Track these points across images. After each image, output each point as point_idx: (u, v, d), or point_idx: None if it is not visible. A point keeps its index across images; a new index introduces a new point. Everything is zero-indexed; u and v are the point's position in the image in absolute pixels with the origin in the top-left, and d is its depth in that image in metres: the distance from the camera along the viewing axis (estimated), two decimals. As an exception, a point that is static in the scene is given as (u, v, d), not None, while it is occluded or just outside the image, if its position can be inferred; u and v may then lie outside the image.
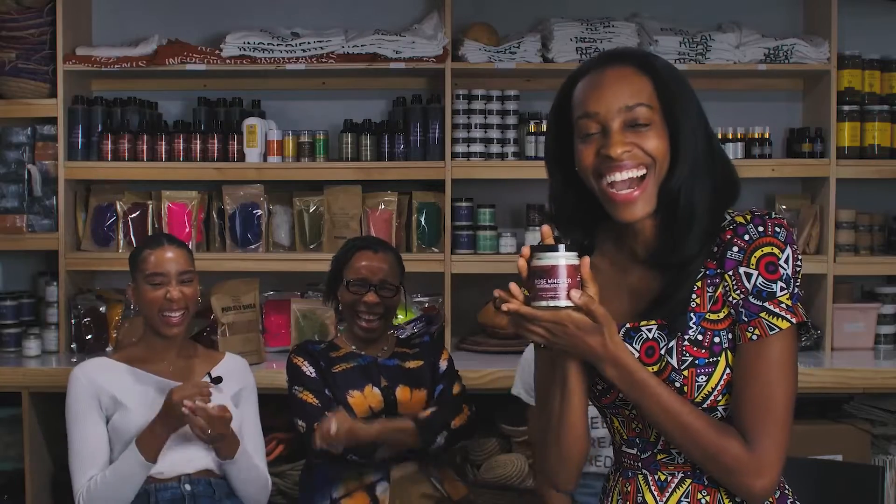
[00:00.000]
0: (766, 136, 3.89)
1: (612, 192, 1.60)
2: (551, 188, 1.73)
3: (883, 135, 3.85)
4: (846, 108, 3.83)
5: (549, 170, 1.73)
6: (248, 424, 2.84)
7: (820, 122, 3.89)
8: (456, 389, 2.95)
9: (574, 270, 1.53)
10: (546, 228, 1.59)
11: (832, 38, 3.79)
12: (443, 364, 2.99)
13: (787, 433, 1.59)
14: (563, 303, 1.52)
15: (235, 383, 2.83)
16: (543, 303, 1.53)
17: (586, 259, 1.54)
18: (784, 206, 3.94)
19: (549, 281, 1.52)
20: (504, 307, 1.54)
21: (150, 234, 3.84)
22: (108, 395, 2.69)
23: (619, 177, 1.59)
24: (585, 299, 1.52)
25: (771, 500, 1.67)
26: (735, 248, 1.60)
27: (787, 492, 1.71)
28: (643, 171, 1.59)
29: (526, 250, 1.55)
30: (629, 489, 1.70)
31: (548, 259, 1.53)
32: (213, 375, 2.76)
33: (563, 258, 1.52)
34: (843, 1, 3.78)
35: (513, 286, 1.55)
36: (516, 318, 1.55)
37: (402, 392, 2.88)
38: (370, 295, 2.87)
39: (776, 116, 4.03)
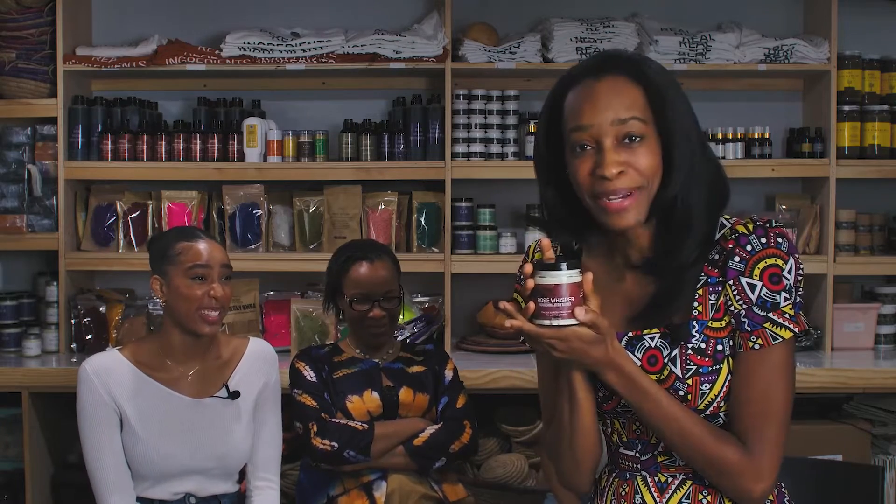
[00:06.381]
0: (766, 136, 3.89)
1: (605, 201, 1.59)
2: (541, 193, 1.71)
3: (883, 135, 3.85)
4: (846, 108, 3.83)
5: (538, 175, 1.71)
6: (266, 429, 2.65)
7: (820, 122, 3.89)
8: (460, 402, 2.93)
9: (577, 288, 1.52)
10: (545, 242, 1.58)
11: (832, 38, 3.79)
12: (448, 374, 2.97)
13: (785, 438, 1.60)
14: (566, 322, 1.52)
15: (258, 379, 2.65)
16: (547, 322, 1.52)
17: (589, 275, 1.53)
18: (784, 206, 3.94)
19: (553, 300, 1.51)
20: (507, 323, 1.54)
21: (151, 231, 3.83)
22: (121, 407, 2.50)
23: (612, 197, 1.58)
24: (591, 316, 1.51)
25: (771, 497, 1.68)
26: (737, 259, 1.60)
27: (783, 490, 1.72)
28: (635, 189, 1.59)
29: (528, 267, 1.54)
30: (626, 490, 1.70)
31: (550, 278, 1.52)
32: (231, 389, 2.58)
33: (565, 276, 1.51)
34: (843, 1, 3.78)
35: (509, 307, 1.55)
36: (521, 334, 1.56)
37: (405, 393, 2.88)
38: (375, 310, 2.86)
39: (776, 116, 4.03)
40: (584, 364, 1.57)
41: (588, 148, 1.59)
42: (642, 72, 1.61)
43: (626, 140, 1.58)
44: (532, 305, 1.53)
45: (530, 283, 1.53)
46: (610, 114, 1.58)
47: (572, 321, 1.51)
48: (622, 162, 1.57)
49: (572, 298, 1.51)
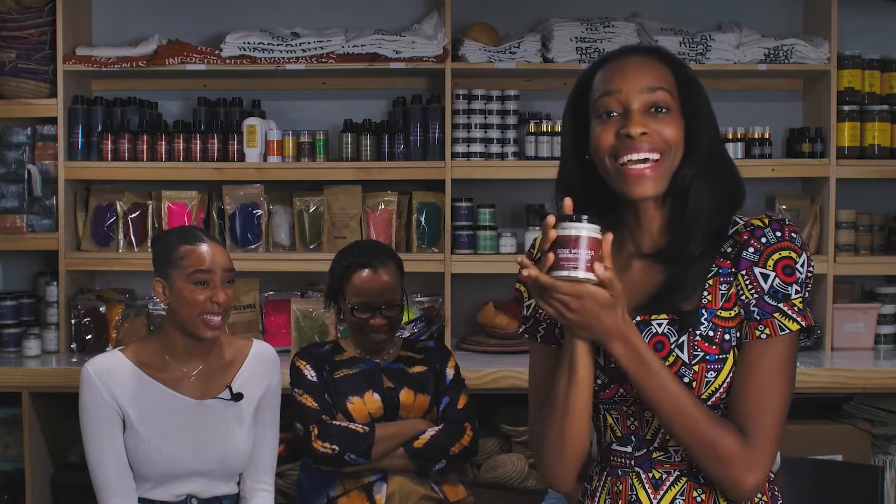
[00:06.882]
0: (766, 136, 3.89)
1: (626, 167, 1.62)
2: (563, 174, 1.74)
3: (883, 135, 3.85)
4: (846, 108, 3.83)
5: (563, 155, 1.75)
6: (264, 432, 2.65)
7: (820, 122, 3.89)
8: (461, 402, 2.91)
9: (596, 244, 1.52)
10: (568, 201, 1.58)
11: (832, 38, 3.79)
12: (449, 372, 2.96)
13: (781, 433, 1.60)
14: (583, 274, 1.51)
15: (261, 382, 2.64)
16: (564, 273, 1.52)
17: (609, 235, 1.54)
18: (784, 206, 3.94)
19: (572, 251, 1.52)
20: (524, 273, 1.54)
21: (151, 231, 3.83)
22: (123, 408, 2.49)
23: (635, 156, 1.61)
24: (609, 274, 1.52)
25: (765, 498, 1.68)
26: (751, 249, 1.62)
27: (777, 493, 1.72)
28: (657, 156, 1.62)
29: (551, 219, 1.55)
30: (620, 488, 1.69)
31: (571, 229, 1.52)
32: (234, 391, 2.57)
33: (585, 230, 1.52)
34: (843, 1, 3.78)
35: (525, 260, 1.55)
36: (535, 287, 1.55)
37: (406, 395, 2.87)
38: (376, 319, 2.84)
39: (776, 116, 4.03)
40: (593, 330, 1.56)
41: (615, 115, 1.64)
42: (671, 58, 1.70)
43: (653, 110, 1.63)
44: (551, 256, 1.52)
45: (552, 234, 1.53)
46: (639, 82, 1.63)
47: (590, 275, 1.51)
48: (648, 126, 1.61)
49: (591, 252, 1.52)
